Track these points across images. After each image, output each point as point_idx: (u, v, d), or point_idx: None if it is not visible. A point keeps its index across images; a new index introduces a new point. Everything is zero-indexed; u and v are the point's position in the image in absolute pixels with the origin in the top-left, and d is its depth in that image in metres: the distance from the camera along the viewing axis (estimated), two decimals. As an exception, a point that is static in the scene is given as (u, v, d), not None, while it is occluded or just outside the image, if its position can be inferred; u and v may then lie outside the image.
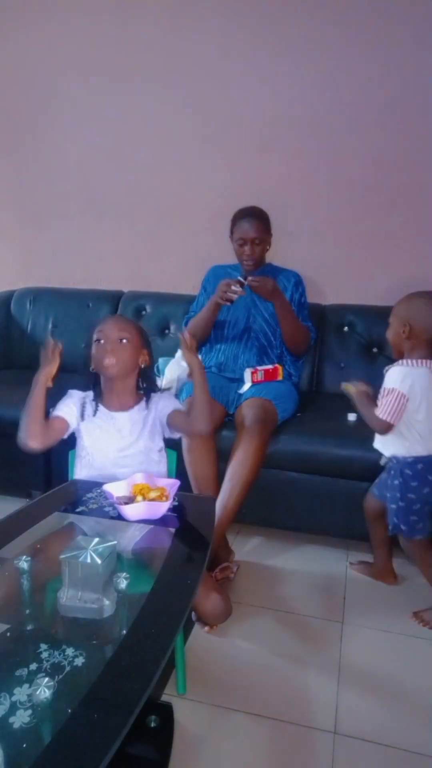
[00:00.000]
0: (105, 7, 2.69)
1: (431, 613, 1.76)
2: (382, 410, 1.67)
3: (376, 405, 1.70)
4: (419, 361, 1.68)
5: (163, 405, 1.59)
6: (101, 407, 1.56)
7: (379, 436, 1.76)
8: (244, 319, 2.29)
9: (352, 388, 1.79)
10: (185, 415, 1.58)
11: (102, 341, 1.51)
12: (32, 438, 1.47)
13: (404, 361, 1.70)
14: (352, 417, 2.05)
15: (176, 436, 1.64)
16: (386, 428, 1.69)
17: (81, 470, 1.57)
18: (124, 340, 1.52)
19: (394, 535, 1.80)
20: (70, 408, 1.55)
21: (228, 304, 2.13)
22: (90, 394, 1.58)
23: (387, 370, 1.72)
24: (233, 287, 2.09)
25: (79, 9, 2.72)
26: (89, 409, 1.56)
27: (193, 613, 1.68)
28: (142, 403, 1.58)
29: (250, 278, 2.11)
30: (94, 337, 1.54)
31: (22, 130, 2.95)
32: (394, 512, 1.73)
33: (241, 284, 2.10)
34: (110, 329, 1.52)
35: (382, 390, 1.69)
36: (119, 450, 1.53)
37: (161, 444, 1.59)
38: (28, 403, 1.47)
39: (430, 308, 1.68)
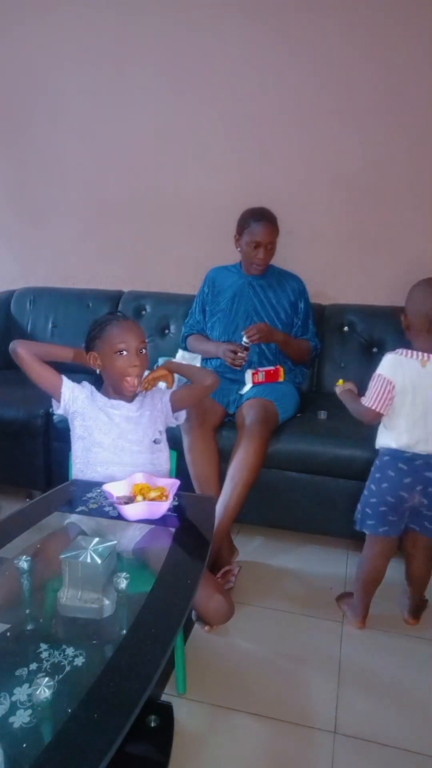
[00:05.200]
0: (105, 6, 2.69)
1: (347, 604, 1.79)
2: (368, 396, 1.61)
3: (359, 399, 1.65)
4: (411, 352, 1.59)
5: (160, 397, 1.63)
6: (102, 397, 1.58)
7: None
8: (245, 324, 2.28)
9: (338, 389, 1.77)
10: (186, 387, 1.63)
11: (126, 353, 1.50)
12: (24, 348, 1.52)
13: (400, 350, 1.61)
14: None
15: (181, 422, 1.68)
16: (372, 416, 1.61)
17: (78, 455, 1.57)
18: (144, 350, 1.53)
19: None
20: (75, 386, 1.57)
21: (239, 368, 2.16)
22: (93, 388, 1.61)
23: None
24: (239, 354, 2.11)
25: (79, 7, 2.72)
26: (97, 397, 1.58)
27: (193, 613, 1.68)
28: (138, 397, 1.61)
29: (245, 340, 2.11)
30: (117, 346, 1.50)
31: (22, 129, 2.95)
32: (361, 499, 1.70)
33: (246, 348, 2.12)
34: (133, 339, 1.50)
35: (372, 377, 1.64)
36: (117, 437, 1.55)
37: (158, 435, 1.60)
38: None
39: (424, 294, 1.59)
